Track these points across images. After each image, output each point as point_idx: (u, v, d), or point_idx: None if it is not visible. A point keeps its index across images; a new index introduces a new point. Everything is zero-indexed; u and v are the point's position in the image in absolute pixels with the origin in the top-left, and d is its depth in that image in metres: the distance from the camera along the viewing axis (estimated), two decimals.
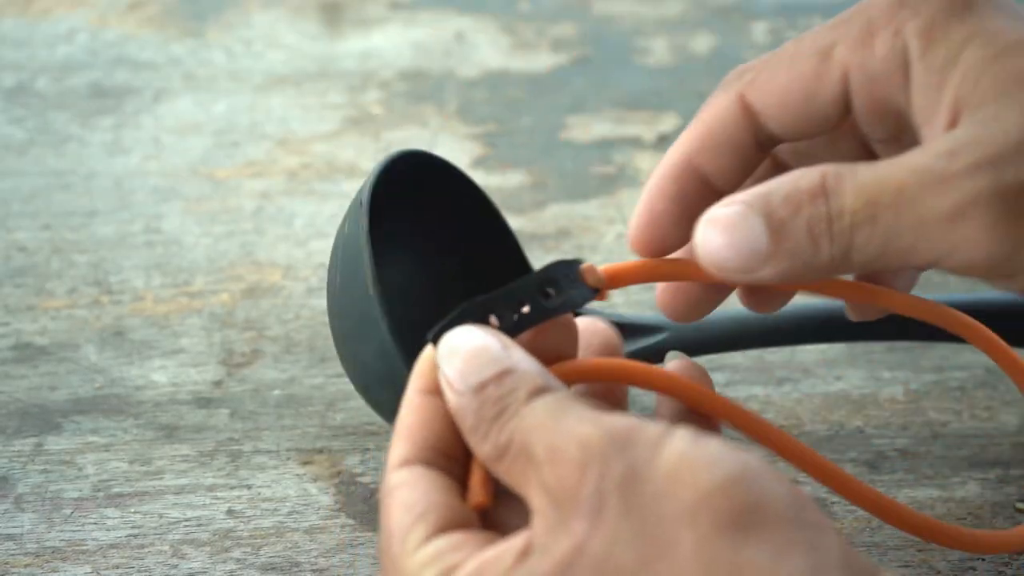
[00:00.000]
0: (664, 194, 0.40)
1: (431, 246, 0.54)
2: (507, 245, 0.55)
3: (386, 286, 0.46)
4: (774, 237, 0.35)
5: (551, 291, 0.37)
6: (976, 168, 0.34)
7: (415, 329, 0.51)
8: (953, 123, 0.35)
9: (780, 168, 0.42)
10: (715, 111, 0.40)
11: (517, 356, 0.35)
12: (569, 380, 0.37)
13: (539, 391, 0.34)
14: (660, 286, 0.42)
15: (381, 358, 0.46)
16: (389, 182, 0.48)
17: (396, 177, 0.49)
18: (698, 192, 0.40)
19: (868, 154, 0.41)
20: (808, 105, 0.39)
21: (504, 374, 0.35)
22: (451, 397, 0.35)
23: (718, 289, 0.42)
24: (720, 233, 0.36)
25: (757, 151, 0.40)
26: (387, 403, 0.47)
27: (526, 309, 0.37)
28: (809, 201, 0.35)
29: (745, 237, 0.35)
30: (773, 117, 0.39)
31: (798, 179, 0.35)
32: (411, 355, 0.44)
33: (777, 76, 0.39)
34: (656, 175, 0.40)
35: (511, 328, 0.37)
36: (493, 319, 0.37)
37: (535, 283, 0.37)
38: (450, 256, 0.54)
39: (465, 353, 0.35)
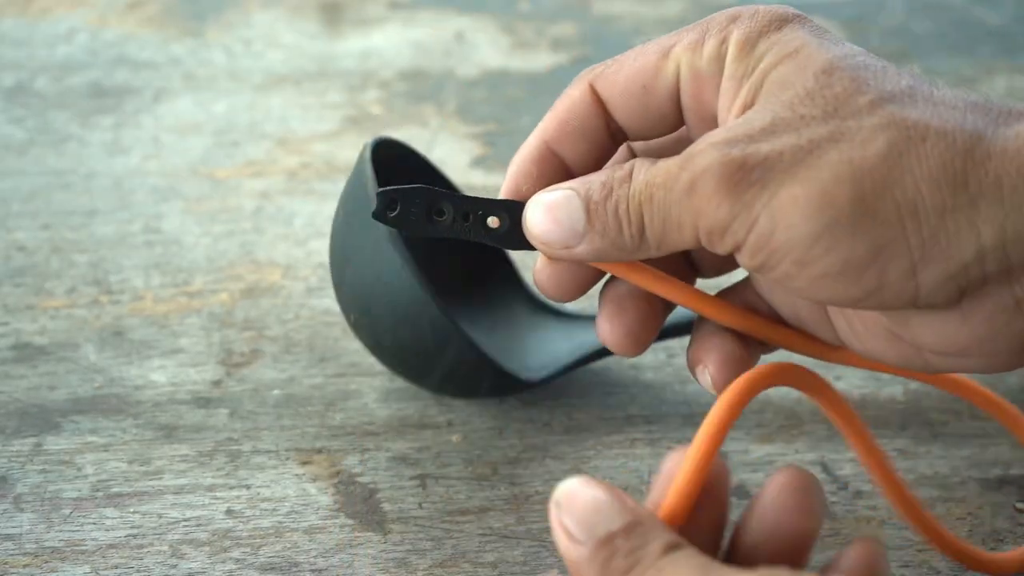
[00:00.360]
0: (527, 175, 0.43)
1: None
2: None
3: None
4: (589, 217, 0.40)
5: (494, 221, 0.42)
6: (711, 146, 0.38)
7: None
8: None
9: None
10: (568, 100, 0.43)
11: (642, 510, 0.36)
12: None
13: (672, 546, 0.35)
14: (537, 267, 0.44)
15: (380, 250, 0.47)
16: (381, 163, 0.49)
17: (387, 163, 0.50)
18: (557, 174, 0.43)
19: None
20: (646, 97, 0.42)
21: (633, 526, 0.36)
22: (569, 548, 0.36)
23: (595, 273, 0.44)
24: (546, 212, 0.41)
25: (609, 140, 0.43)
26: (383, 304, 0.48)
27: (469, 220, 0.42)
28: (618, 186, 0.40)
29: (567, 216, 0.40)
30: (617, 107, 0.42)
31: (615, 169, 0.40)
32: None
33: (622, 68, 0.42)
34: (518, 157, 0.43)
35: (447, 228, 0.42)
36: (440, 213, 0.42)
37: (484, 205, 0.42)
38: (435, 247, 0.55)
39: (586, 502, 0.36)
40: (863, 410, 0.53)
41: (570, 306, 0.56)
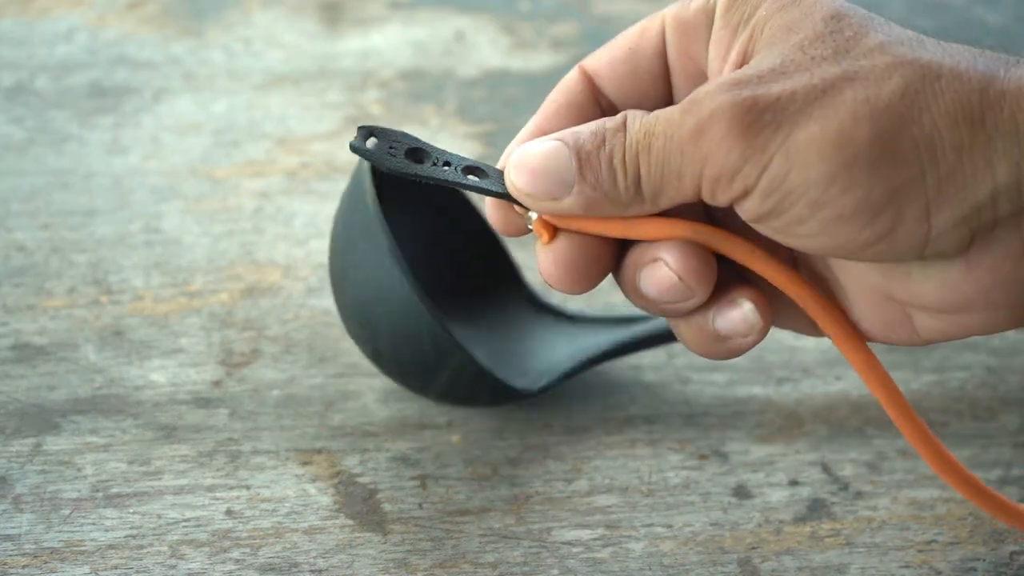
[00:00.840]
0: None
1: (419, 234, 0.54)
2: (492, 242, 0.55)
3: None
4: (580, 167, 0.39)
5: (474, 178, 0.41)
6: (719, 90, 0.37)
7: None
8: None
9: None
10: (561, 84, 0.43)
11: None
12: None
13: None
14: (540, 255, 0.42)
15: (381, 267, 0.46)
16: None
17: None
18: None
19: None
20: (633, 58, 0.42)
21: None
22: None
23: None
24: (532, 160, 0.39)
25: (600, 115, 0.42)
26: (384, 322, 0.47)
27: (446, 169, 0.41)
28: (611, 136, 0.39)
29: (556, 165, 0.39)
30: (605, 78, 0.42)
31: (606, 119, 0.39)
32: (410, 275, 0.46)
33: (610, 46, 0.42)
34: (512, 145, 0.42)
35: (425, 170, 0.41)
36: (420, 157, 0.41)
37: (466, 162, 0.41)
38: (438, 247, 0.55)
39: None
40: (863, 411, 0.53)
41: (572, 306, 0.56)
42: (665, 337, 0.53)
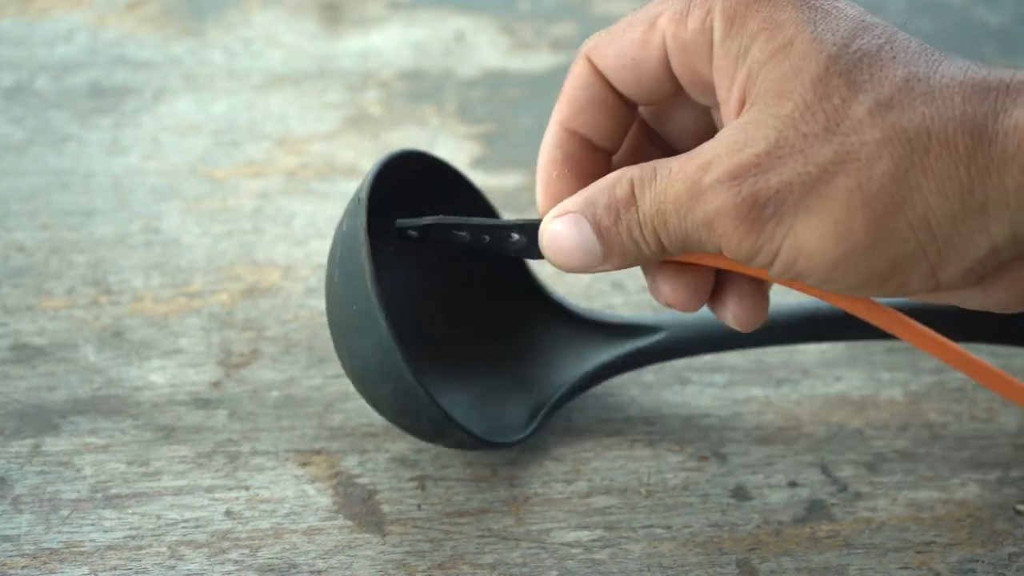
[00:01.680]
0: (554, 161, 0.44)
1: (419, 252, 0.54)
2: None
3: (384, 283, 0.46)
4: (604, 241, 0.42)
5: (515, 236, 0.44)
6: (719, 183, 0.39)
7: (415, 326, 0.51)
8: (739, 112, 0.40)
9: (647, 130, 0.46)
10: (572, 78, 0.44)
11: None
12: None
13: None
14: (651, 287, 0.44)
15: (379, 353, 0.46)
16: (387, 181, 0.48)
17: (393, 176, 0.49)
18: (582, 152, 0.44)
19: (710, 119, 0.44)
20: (638, 68, 0.42)
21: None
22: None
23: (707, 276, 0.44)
24: (560, 240, 0.42)
25: (622, 104, 0.44)
26: (385, 399, 0.47)
27: (486, 239, 0.44)
28: (624, 210, 0.41)
29: (582, 243, 0.42)
30: (615, 78, 0.43)
31: (614, 187, 0.41)
32: (409, 349, 0.45)
33: (614, 40, 0.43)
34: (543, 146, 0.44)
35: (469, 244, 0.44)
36: (461, 234, 0.44)
37: (502, 231, 0.44)
38: (448, 255, 0.54)
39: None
40: (862, 412, 0.53)
41: (578, 308, 0.56)
42: (668, 353, 0.53)
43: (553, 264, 0.43)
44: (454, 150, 0.69)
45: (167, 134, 0.70)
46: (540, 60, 0.78)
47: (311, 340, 0.57)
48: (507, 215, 0.63)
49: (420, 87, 0.75)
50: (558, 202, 0.43)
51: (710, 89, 0.42)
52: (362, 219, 0.46)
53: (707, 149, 0.40)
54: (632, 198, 0.41)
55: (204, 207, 0.65)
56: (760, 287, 0.44)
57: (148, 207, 0.65)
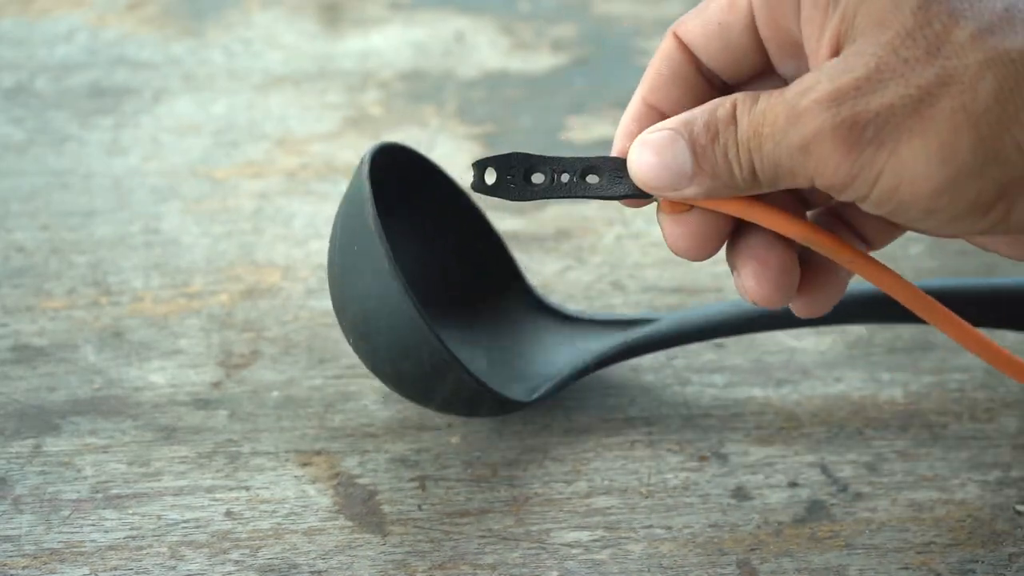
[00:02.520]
0: (629, 135, 0.43)
1: (419, 236, 0.54)
2: (494, 243, 0.55)
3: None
4: (697, 160, 0.40)
5: (593, 178, 0.42)
6: (818, 105, 0.38)
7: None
8: (831, 58, 0.39)
9: None
10: (658, 54, 0.43)
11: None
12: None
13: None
14: (666, 231, 0.43)
15: (380, 286, 0.46)
16: (381, 169, 0.49)
17: (385, 167, 0.49)
18: None
19: None
20: (725, 34, 0.42)
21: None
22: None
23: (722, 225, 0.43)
24: (651, 154, 0.41)
25: (705, 84, 0.43)
26: (385, 345, 0.47)
27: (564, 178, 0.42)
28: (724, 129, 0.40)
29: (673, 159, 0.40)
30: (700, 49, 0.43)
31: (716, 108, 0.40)
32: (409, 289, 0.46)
33: (700, 11, 0.42)
34: (623, 118, 0.43)
35: (546, 189, 0.42)
36: (537, 175, 0.42)
37: (580, 164, 0.42)
38: (438, 249, 0.54)
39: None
40: (862, 412, 0.53)
41: (572, 307, 0.56)
42: (664, 342, 0.53)
43: (637, 181, 0.41)
44: (454, 150, 0.69)
45: (167, 134, 0.70)
46: (540, 61, 0.78)
47: (311, 340, 0.57)
48: (506, 216, 0.64)
49: (420, 87, 0.75)
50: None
51: (796, 49, 0.41)
52: (365, 169, 0.47)
53: (807, 77, 0.39)
54: (732, 118, 0.40)
55: (204, 207, 0.65)
56: (841, 278, 0.44)
57: (148, 207, 0.65)
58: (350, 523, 0.49)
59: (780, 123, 0.39)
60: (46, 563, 0.47)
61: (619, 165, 0.42)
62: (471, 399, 0.49)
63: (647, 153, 0.41)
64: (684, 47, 0.43)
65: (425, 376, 0.47)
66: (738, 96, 0.40)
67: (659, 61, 0.43)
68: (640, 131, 0.42)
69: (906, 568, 0.47)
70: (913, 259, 0.62)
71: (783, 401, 0.54)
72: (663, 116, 0.43)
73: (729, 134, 0.40)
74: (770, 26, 0.41)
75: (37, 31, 0.79)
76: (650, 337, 0.53)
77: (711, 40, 0.42)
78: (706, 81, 0.43)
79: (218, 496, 0.50)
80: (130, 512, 0.49)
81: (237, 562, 0.47)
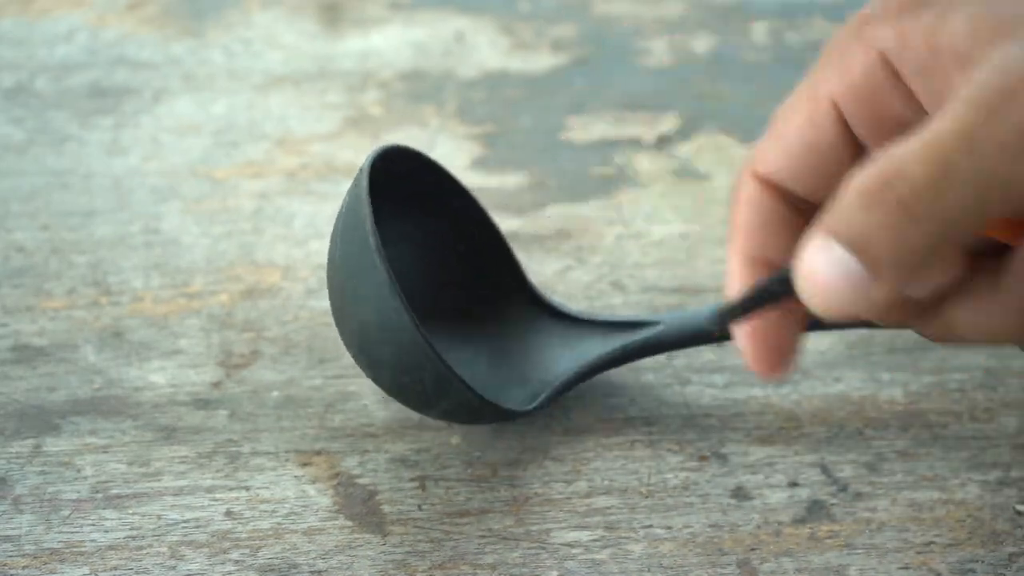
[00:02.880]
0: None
1: (420, 236, 0.54)
2: (496, 243, 0.55)
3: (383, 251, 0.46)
4: (860, 252, 0.33)
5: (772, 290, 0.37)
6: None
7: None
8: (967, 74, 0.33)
9: None
10: (740, 203, 0.39)
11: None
12: None
13: None
14: (747, 341, 0.40)
15: (381, 305, 0.46)
16: (382, 173, 0.49)
17: (388, 168, 0.49)
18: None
19: None
20: (813, 154, 0.38)
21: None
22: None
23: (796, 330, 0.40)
24: (815, 273, 0.33)
25: (799, 218, 0.38)
26: (386, 359, 0.47)
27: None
28: (879, 195, 0.32)
29: (836, 263, 0.33)
30: (789, 179, 0.38)
31: (858, 182, 0.33)
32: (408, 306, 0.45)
33: (775, 140, 0.38)
34: (728, 284, 0.39)
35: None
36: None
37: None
38: (439, 248, 0.54)
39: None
40: (862, 412, 0.53)
41: (574, 307, 0.56)
42: (664, 345, 0.53)
43: (817, 312, 0.34)
44: (454, 150, 0.69)
45: (167, 134, 0.70)
46: (540, 61, 0.78)
47: (311, 341, 0.57)
48: (506, 216, 0.64)
49: (420, 87, 0.75)
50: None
51: (893, 123, 0.37)
52: (364, 183, 0.47)
53: (962, 95, 0.32)
54: (900, 173, 0.32)
55: (204, 207, 0.65)
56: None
57: (148, 207, 0.65)
58: (350, 523, 0.49)
59: (969, 131, 0.32)
60: (46, 563, 0.47)
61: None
62: (471, 411, 0.49)
63: (810, 275, 0.33)
64: (770, 185, 0.38)
65: (426, 391, 0.48)
66: (873, 160, 0.33)
67: (746, 211, 0.38)
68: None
69: (906, 568, 0.47)
70: None
71: (783, 401, 0.54)
72: (772, 266, 0.38)
73: (888, 193, 0.32)
74: (872, 123, 0.37)
75: (37, 31, 0.79)
76: (651, 341, 0.53)
77: (798, 165, 0.38)
78: (799, 214, 0.38)
79: (218, 496, 0.50)
80: (130, 512, 0.49)
81: (237, 562, 0.47)
